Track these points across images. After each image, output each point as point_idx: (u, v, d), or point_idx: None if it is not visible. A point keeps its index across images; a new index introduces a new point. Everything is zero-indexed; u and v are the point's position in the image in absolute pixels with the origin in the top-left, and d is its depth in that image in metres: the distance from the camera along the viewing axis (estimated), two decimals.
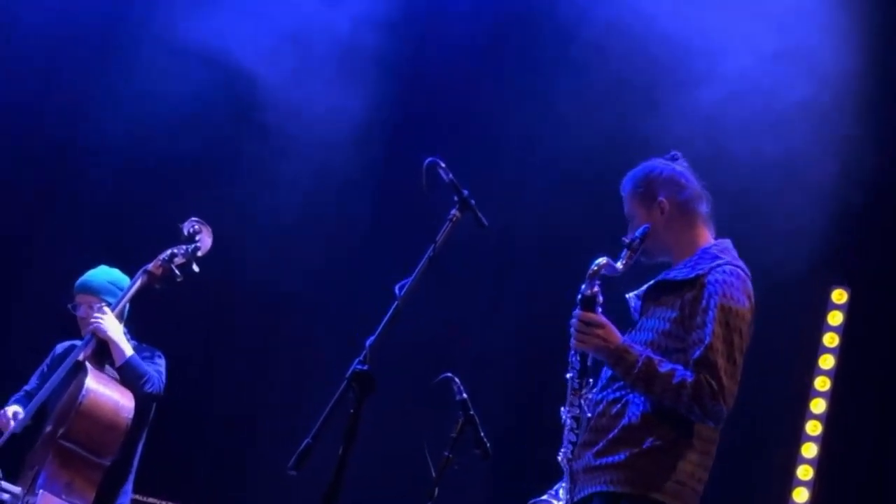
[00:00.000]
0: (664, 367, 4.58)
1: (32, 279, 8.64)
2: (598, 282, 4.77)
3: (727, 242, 4.90)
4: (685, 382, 4.54)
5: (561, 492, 4.87)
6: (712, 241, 4.88)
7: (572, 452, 4.79)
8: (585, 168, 8.17)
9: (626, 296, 4.95)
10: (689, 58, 8.13)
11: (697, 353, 4.58)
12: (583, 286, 4.78)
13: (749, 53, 8.14)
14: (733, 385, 4.59)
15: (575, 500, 4.76)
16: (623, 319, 4.85)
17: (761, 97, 8.09)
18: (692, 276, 4.71)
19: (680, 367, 4.58)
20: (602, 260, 4.78)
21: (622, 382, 4.71)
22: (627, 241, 4.84)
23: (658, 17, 8.18)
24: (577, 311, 4.76)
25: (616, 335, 4.70)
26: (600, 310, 4.76)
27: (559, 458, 4.87)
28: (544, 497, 5.05)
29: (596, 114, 8.27)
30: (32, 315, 8.31)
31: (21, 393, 6.63)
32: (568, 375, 4.86)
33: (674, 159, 5.00)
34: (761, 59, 8.13)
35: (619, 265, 4.80)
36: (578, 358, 4.84)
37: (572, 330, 4.76)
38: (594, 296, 4.76)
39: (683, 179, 4.92)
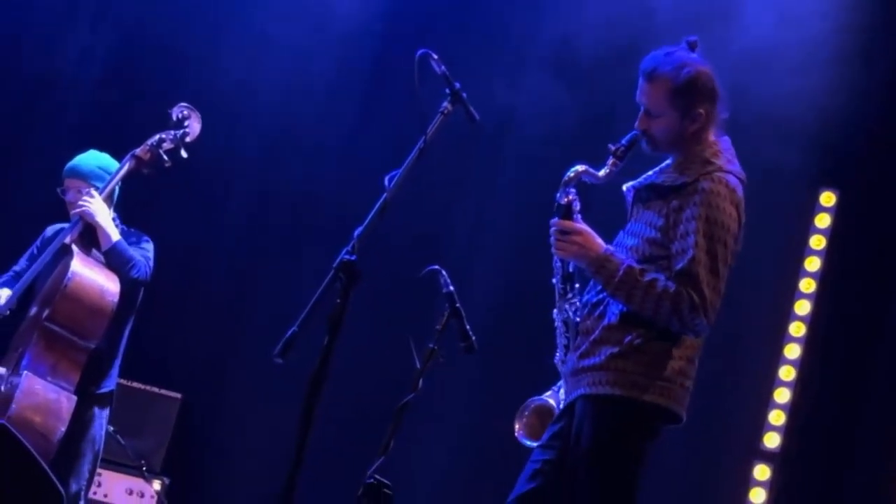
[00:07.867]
0: (645, 277, 4.51)
1: (27, 163, 8.62)
2: (573, 189, 4.70)
3: (725, 142, 4.73)
4: (666, 293, 4.47)
5: (561, 392, 4.88)
6: (710, 140, 4.69)
7: (565, 356, 4.79)
8: (591, 58, 8.12)
9: (623, 187, 4.85)
10: None
11: (680, 264, 4.50)
12: (558, 194, 4.72)
13: None
14: (716, 298, 4.52)
15: (565, 404, 4.76)
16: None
17: None
18: (679, 182, 4.61)
19: (662, 278, 4.51)
20: (580, 167, 4.71)
21: None
22: (613, 148, 4.72)
23: None
24: (555, 219, 4.71)
25: (596, 242, 4.64)
26: (579, 217, 4.70)
27: (555, 360, 4.89)
28: (547, 394, 5.05)
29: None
30: (26, 200, 8.28)
31: (10, 273, 6.62)
32: (553, 280, 4.84)
33: (693, 48, 4.74)
34: None
35: (601, 173, 4.71)
36: (560, 263, 4.81)
37: (551, 239, 4.71)
38: (570, 203, 4.70)
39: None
